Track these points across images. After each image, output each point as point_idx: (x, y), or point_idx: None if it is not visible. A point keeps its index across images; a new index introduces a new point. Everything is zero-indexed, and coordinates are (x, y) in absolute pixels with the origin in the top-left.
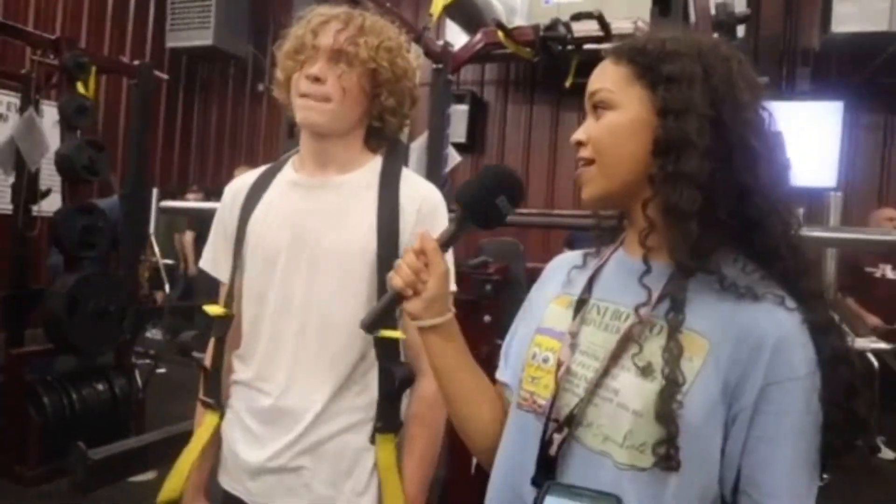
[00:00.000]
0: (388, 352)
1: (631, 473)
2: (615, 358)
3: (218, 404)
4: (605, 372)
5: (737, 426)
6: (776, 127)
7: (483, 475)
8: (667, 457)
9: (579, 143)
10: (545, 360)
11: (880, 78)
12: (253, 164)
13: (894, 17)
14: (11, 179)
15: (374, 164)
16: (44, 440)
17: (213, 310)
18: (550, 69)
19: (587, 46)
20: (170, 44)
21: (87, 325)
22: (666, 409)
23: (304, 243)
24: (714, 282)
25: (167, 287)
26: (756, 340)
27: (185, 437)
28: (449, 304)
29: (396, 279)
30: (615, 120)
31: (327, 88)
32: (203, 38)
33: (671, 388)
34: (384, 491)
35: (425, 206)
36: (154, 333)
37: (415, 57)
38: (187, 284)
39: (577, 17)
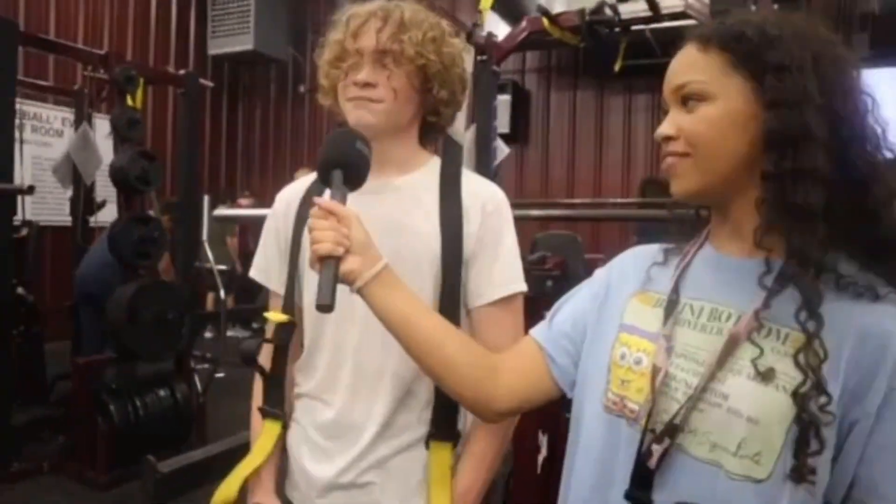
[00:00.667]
0: None
1: (744, 484)
2: (721, 361)
3: (280, 413)
4: (711, 376)
5: (855, 433)
6: (880, 110)
7: (549, 474)
8: (805, 471)
9: (668, 138)
10: (637, 362)
11: None
12: (314, 165)
13: None
14: (70, 193)
15: (433, 164)
16: (112, 446)
17: (277, 317)
18: (592, 54)
19: (635, 28)
20: (212, 51)
21: (148, 333)
22: (813, 421)
23: None
24: (829, 280)
25: (222, 292)
26: (879, 342)
27: (246, 448)
28: (378, 251)
29: (323, 245)
30: (713, 113)
31: (378, 92)
32: (244, 44)
33: (818, 399)
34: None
35: (490, 205)
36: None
37: (460, 40)
38: (241, 286)
39: None
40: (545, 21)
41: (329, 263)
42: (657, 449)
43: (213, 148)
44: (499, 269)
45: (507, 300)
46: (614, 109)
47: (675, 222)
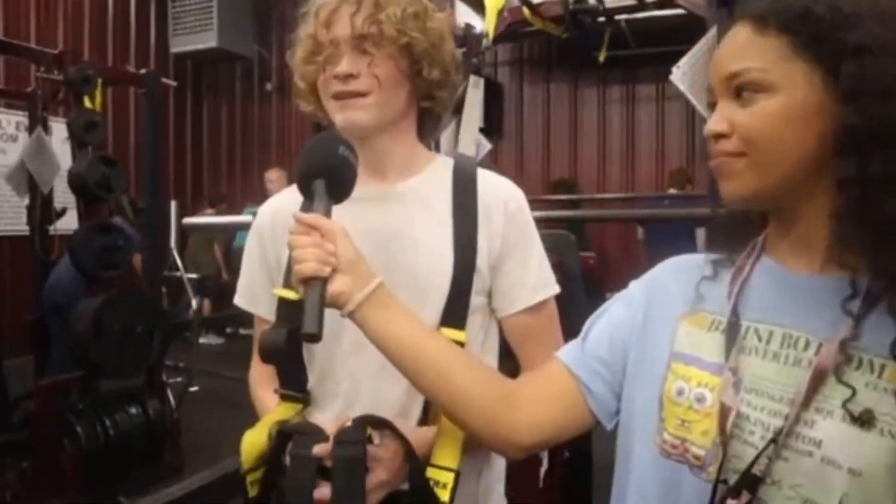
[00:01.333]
0: None
1: None
2: (807, 400)
3: (300, 394)
4: (797, 417)
5: None
6: None
7: (550, 487)
8: None
9: (719, 136)
10: (699, 400)
11: None
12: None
13: None
14: (27, 201)
15: (438, 164)
16: (80, 471)
17: (286, 293)
18: (566, 45)
19: (618, 17)
20: (174, 49)
21: (115, 348)
22: None
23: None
24: None
25: (194, 301)
26: None
27: (227, 480)
28: (370, 267)
29: (307, 264)
30: (775, 106)
31: (361, 83)
32: (207, 41)
33: None
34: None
35: (512, 203)
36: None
37: (446, 15)
38: (222, 293)
39: None
40: (526, 11)
41: (314, 285)
42: (734, 503)
43: (177, 151)
44: (532, 272)
45: (542, 305)
46: (588, 101)
47: (722, 229)
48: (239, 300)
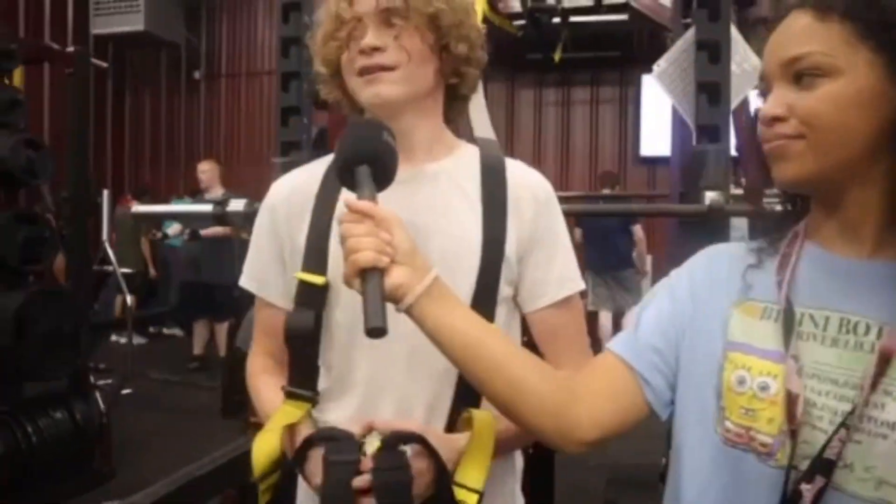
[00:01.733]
0: None
1: None
2: (875, 383)
3: (310, 392)
4: (866, 401)
5: None
6: None
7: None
8: None
9: (775, 119)
10: (763, 388)
11: None
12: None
13: None
14: None
15: (466, 150)
16: (2, 479)
17: (312, 278)
18: (504, 47)
19: (574, 19)
20: (95, 30)
21: (39, 349)
22: None
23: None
24: None
25: (128, 297)
26: None
27: (176, 497)
28: (425, 259)
29: (364, 254)
30: (837, 89)
31: (388, 56)
32: (133, 24)
33: None
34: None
35: (542, 193)
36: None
37: None
38: (150, 290)
39: None
40: (485, 7)
41: (373, 276)
42: (808, 489)
43: (97, 139)
44: (559, 266)
45: (568, 300)
46: (524, 103)
47: (764, 216)
48: (246, 282)
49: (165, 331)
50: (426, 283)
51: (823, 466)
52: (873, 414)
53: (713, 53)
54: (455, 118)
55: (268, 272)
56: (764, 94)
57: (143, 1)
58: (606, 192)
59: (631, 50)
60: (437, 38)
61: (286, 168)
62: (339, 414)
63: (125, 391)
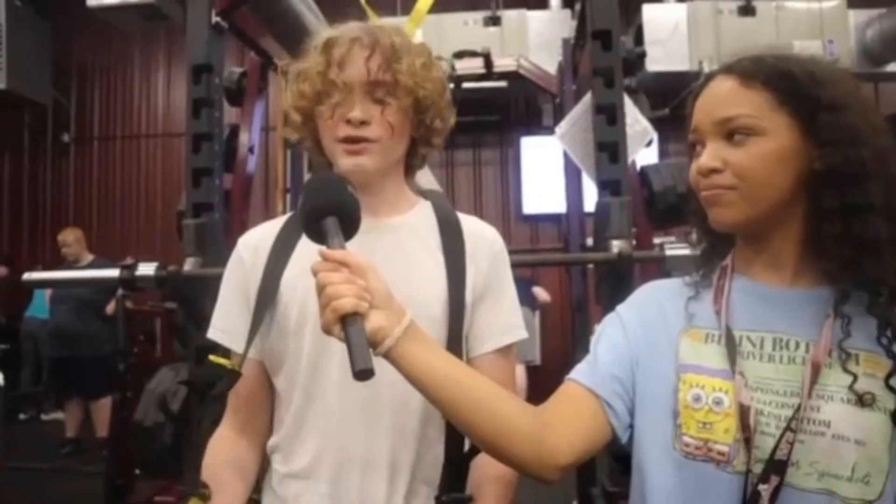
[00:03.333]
0: None
1: None
2: (810, 390)
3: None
4: (804, 405)
5: None
6: None
7: None
8: None
9: (713, 171)
10: (717, 403)
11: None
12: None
13: (693, 59)
14: None
15: (424, 205)
16: None
17: (220, 360)
18: None
19: (466, 85)
20: None
21: None
22: None
23: None
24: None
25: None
26: None
27: None
28: (400, 303)
29: (345, 300)
30: (765, 147)
31: (373, 130)
32: None
33: None
34: None
35: (496, 245)
36: None
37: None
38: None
39: (461, 54)
40: None
41: (354, 322)
42: (765, 489)
43: None
44: (505, 313)
45: (509, 347)
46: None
47: (700, 258)
48: (214, 333)
49: (44, 416)
50: (403, 324)
51: (776, 467)
52: (812, 416)
53: (610, 116)
54: (412, 174)
55: (236, 323)
56: (694, 144)
57: (4, 59)
58: None
59: (509, 114)
60: (416, 113)
61: (199, 230)
62: (297, 463)
63: None
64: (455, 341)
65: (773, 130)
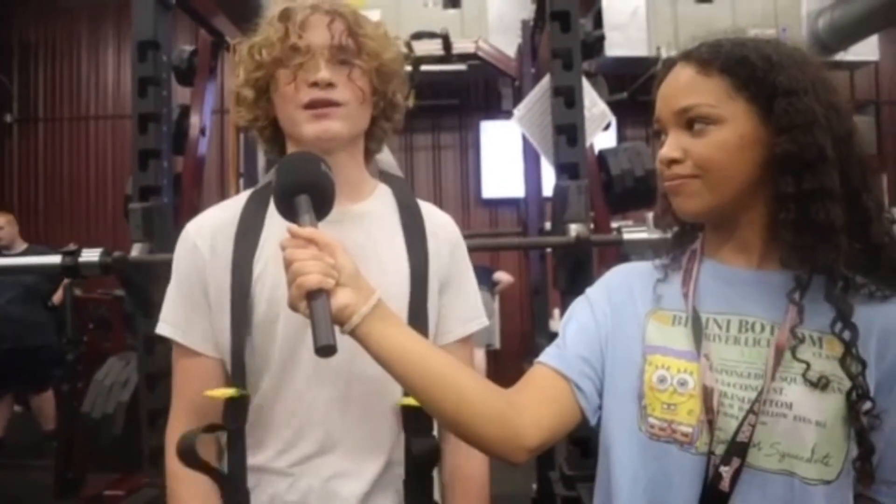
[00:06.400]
0: (413, 420)
1: (820, 488)
2: (773, 372)
3: None
4: (767, 388)
5: (884, 421)
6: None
7: None
8: (865, 471)
9: (673, 161)
10: (682, 384)
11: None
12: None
13: (652, 44)
14: None
15: (383, 191)
16: None
17: (223, 393)
18: None
19: (425, 68)
20: None
21: None
22: (862, 426)
23: None
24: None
25: None
26: None
27: None
28: (368, 282)
29: (311, 277)
30: (724, 136)
31: (340, 93)
32: None
33: (864, 405)
34: None
35: (455, 234)
36: None
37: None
38: None
39: (419, 35)
40: None
41: (319, 297)
42: (726, 470)
43: None
44: (467, 303)
45: (471, 336)
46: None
47: (671, 241)
48: (164, 328)
49: None
50: (371, 303)
51: (738, 449)
52: (774, 398)
53: (568, 99)
54: (370, 158)
55: (190, 317)
56: (658, 133)
57: None
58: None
59: (468, 98)
60: (379, 84)
61: (146, 214)
62: (262, 457)
63: None
64: (421, 328)
65: (732, 118)
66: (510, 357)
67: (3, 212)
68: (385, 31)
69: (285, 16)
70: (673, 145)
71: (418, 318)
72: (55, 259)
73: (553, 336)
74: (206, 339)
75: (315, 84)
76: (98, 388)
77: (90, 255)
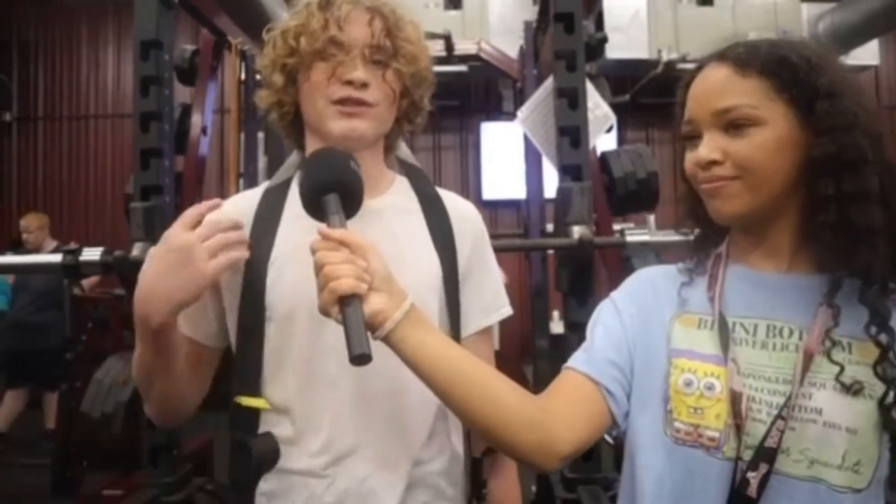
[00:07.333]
0: None
1: (849, 496)
2: (802, 377)
3: None
4: (796, 393)
5: None
6: None
7: None
8: None
9: (713, 163)
10: (710, 388)
11: (641, 98)
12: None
13: (653, 47)
14: None
15: (401, 184)
16: None
17: (256, 402)
18: None
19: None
20: None
21: None
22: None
23: None
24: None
25: None
26: None
27: None
28: (401, 286)
29: (344, 282)
30: (764, 137)
31: (372, 94)
32: None
33: None
34: None
35: (478, 223)
36: None
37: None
38: None
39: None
40: None
41: (353, 303)
42: (753, 476)
43: None
44: (489, 293)
45: (491, 327)
46: None
47: (693, 244)
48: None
49: None
50: (405, 308)
51: (766, 454)
52: (803, 403)
53: (572, 100)
54: (389, 154)
55: (198, 310)
56: (691, 136)
57: None
58: None
59: (469, 99)
60: (412, 87)
61: (148, 213)
62: (305, 460)
63: None
64: (454, 324)
65: (772, 119)
66: (509, 358)
67: (38, 213)
68: (421, 34)
69: (326, 6)
70: (711, 147)
71: (453, 315)
72: (55, 258)
73: (553, 338)
74: (211, 333)
75: (349, 82)
76: (97, 388)
77: (91, 254)
